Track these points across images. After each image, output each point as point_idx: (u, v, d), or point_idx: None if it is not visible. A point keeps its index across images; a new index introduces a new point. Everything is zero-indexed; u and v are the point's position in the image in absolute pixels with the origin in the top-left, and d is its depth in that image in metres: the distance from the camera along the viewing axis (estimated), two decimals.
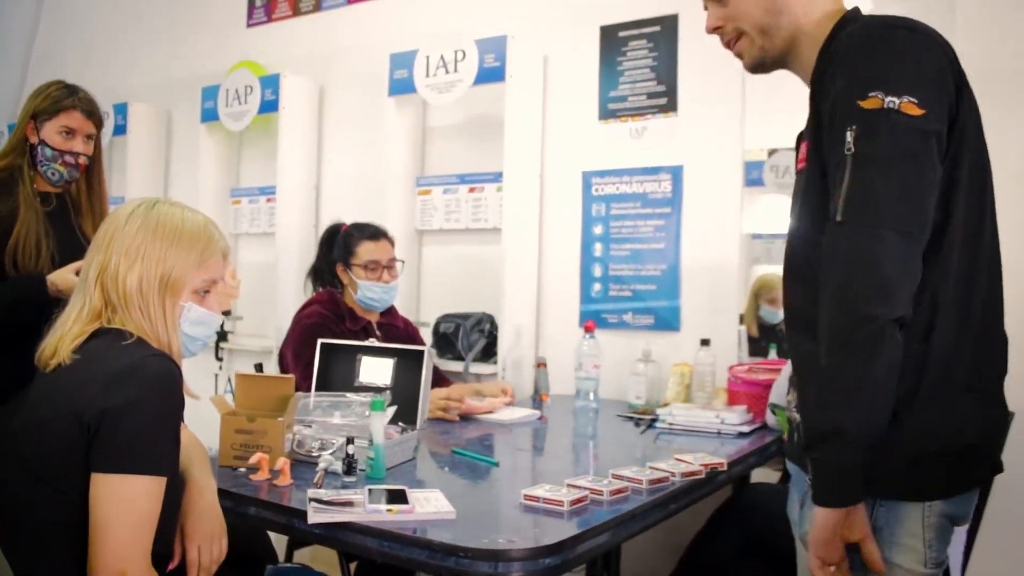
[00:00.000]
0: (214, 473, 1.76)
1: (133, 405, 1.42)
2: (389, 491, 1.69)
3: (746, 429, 2.59)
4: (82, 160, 2.50)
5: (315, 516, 1.59)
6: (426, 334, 3.64)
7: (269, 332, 4.13)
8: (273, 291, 4.09)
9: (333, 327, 2.81)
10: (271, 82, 4.13)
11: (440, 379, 3.04)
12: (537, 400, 3.17)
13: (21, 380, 1.59)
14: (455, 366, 3.49)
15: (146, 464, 1.43)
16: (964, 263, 1.33)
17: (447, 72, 3.52)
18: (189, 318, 1.61)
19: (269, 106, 4.12)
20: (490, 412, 2.80)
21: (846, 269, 1.26)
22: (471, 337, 3.52)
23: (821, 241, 1.32)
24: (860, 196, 1.26)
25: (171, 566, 1.62)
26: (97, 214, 2.58)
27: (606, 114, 3.43)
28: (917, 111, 1.25)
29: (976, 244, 1.36)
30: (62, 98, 2.46)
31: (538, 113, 3.54)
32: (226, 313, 4.10)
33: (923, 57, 1.30)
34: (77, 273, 2.22)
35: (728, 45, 1.56)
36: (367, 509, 1.60)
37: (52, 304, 2.23)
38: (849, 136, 1.27)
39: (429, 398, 2.36)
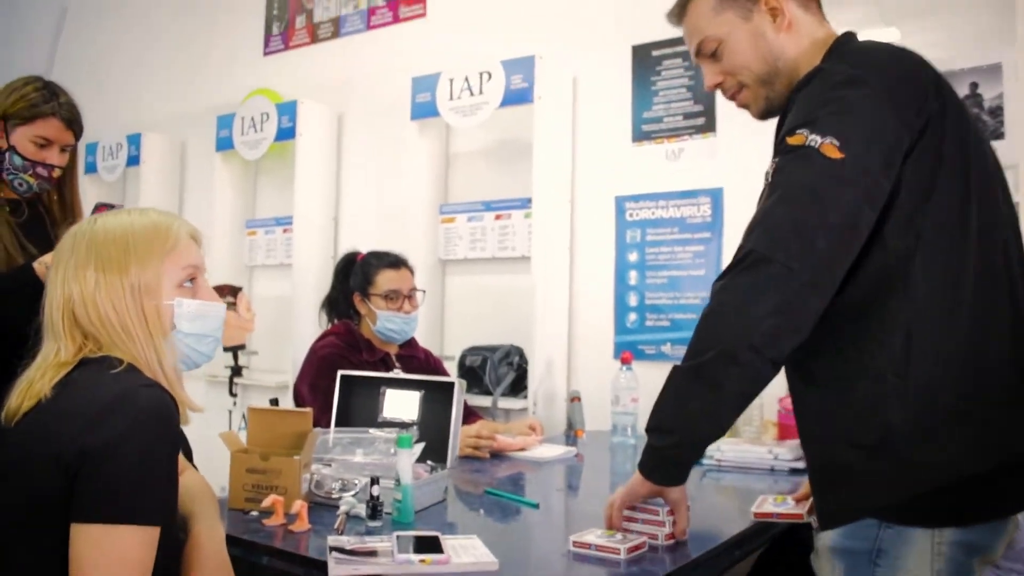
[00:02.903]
0: (223, 517, 1.58)
1: (118, 443, 1.23)
2: (419, 538, 1.49)
3: (801, 465, 2.38)
4: (56, 173, 2.23)
5: (336, 568, 1.39)
6: (451, 367, 3.45)
7: (286, 367, 3.96)
8: (289, 324, 3.93)
9: (351, 358, 2.64)
10: (288, 109, 4.00)
11: (470, 414, 2.87)
12: (571, 436, 2.97)
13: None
14: (483, 401, 3.29)
15: (134, 512, 1.23)
16: (940, 293, 1.27)
17: (472, 94, 3.37)
18: (184, 315, 1.42)
19: (286, 133, 3.99)
20: (523, 449, 2.61)
21: (726, 294, 1.29)
22: (499, 370, 3.33)
23: None
24: (759, 224, 1.28)
25: None
26: (71, 225, 2.33)
27: (640, 136, 3.26)
28: (836, 154, 1.23)
29: (958, 272, 1.28)
30: (41, 102, 2.17)
31: (568, 135, 3.37)
32: (241, 347, 3.95)
33: (864, 110, 1.26)
34: None
35: (731, 98, 1.56)
36: (396, 560, 1.40)
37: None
38: (771, 167, 1.31)
39: (459, 434, 2.17)
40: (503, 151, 3.64)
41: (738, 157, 3.03)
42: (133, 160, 4.63)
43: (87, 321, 1.37)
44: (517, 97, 3.30)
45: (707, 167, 3.09)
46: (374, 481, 1.72)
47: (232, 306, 4.00)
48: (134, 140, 4.64)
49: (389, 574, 1.37)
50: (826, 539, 1.33)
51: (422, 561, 1.39)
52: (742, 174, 3.02)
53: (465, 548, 1.49)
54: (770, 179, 1.31)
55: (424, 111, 3.54)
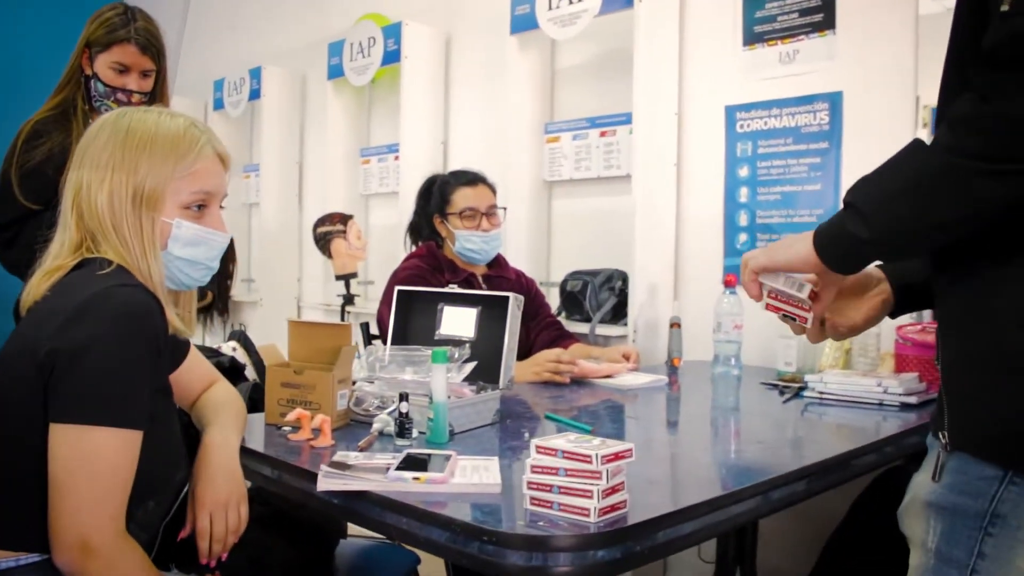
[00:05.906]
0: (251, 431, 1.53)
1: (89, 344, 1.19)
2: (428, 457, 1.38)
3: (913, 400, 2.10)
4: (135, 98, 2.28)
5: (323, 482, 1.30)
6: (554, 293, 3.32)
7: None
8: (401, 253, 3.88)
9: (431, 279, 2.54)
10: (393, 31, 3.91)
11: (566, 338, 2.74)
12: (670, 365, 2.77)
13: None
14: (582, 327, 3.13)
15: (109, 414, 1.20)
16: None
17: (570, 2, 3.16)
18: (180, 237, 1.36)
19: (391, 57, 3.91)
20: (609, 376, 2.44)
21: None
22: (600, 295, 3.16)
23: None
24: None
25: (183, 534, 1.39)
26: None
27: (752, 38, 2.96)
28: None
29: None
30: (116, 28, 2.24)
31: (674, 42, 3.10)
32: (352, 276, 3.95)
33: None
34: None
35: None
36: (389, 476, 1.29)
37: None
38: None
39: (515, 353, 2.03)
40: (607, 64, 3.41)
41: (860, 56, 2.69)
42: (255, 94, 4.68)
43: (87, 212, 1.35)
44: (617, 1, 3.07)
45: (825, 69, 2.77)
46: (403, 397, 1.62)
47: (342, 234, 3.99)
48: (255, 74, 4.69)
49: (377, 491, 1.26)
50: (922, 490, 1.04)
51: (416, 479, 1.27)
52: (865, 75, 2.69)
53: (476, 469, 1.36)
54: None
55: (523, 24, 3.37)
